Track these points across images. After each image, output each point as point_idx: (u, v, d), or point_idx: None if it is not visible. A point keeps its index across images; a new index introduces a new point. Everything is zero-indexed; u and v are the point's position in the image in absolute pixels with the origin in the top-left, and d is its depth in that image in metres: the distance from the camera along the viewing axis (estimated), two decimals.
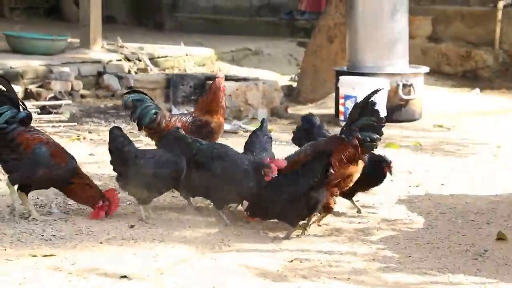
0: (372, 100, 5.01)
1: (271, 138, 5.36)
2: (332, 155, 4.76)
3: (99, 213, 5.11)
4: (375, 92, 5.09)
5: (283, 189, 4.77)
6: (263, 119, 5.51)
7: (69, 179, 5.07)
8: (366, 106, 4.99)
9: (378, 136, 4.95)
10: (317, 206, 4.80)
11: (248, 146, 5.26)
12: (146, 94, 5.75)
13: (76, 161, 5.15)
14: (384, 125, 5.02)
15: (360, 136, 4.92)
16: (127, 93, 5.84)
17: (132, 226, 4.96)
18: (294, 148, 5.41)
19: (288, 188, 4.76)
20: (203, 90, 9.23)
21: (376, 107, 5.02)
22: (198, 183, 5.01)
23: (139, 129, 5.74)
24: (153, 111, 5.63)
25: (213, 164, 4.95)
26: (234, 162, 4.93)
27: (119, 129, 5.18)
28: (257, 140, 5.23)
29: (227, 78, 9.69)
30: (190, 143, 5.03)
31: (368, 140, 4.93)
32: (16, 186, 5.07)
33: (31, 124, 5.15)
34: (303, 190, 4.72)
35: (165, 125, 5.63)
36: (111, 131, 5.15)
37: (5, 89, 5.07)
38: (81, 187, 5.09)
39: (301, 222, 4.90)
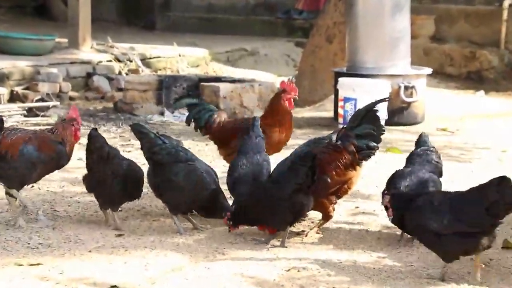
0: (375, 108, 5.06)
1: (263, 138, 5.35)
2: (316, 158, 4.76)
3: (77, 135, 5.17)
4: (381, 101, 5.18)
5: (267, 193, 4.78)
6: (254, 117, 5.49)
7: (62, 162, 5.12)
8: (368, 114, 5.03)
9: (375, 144, 5.02)
10: (303, 211, 4.80)
11: (240, 148, 5.25)
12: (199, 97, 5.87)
13: (62, 143, 5.12)
14: (383, 133, 5.08)
15: (356, 143, 4.96)
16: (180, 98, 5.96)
17: (119, 235, 4.95)
18: (290, 152, 5.41)
19: (272, 192, 4.77)
20: (196, 92, 9.25)
21: (378, 115, 5.06)
22: (154, 183, 5.02)
23: (195, 129, 5.87)
24: (209, 113, 5.77)
25: (173, 166, 4.95)
26: (193, 168, 4.95)
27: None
28: (250, 142, 5.22)
29: (222, 80, 9.74)
30: (152, 140, 5.01)
31: (365, 148, 4.99)
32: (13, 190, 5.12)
33: (6, 126, 5.16)
34: (286, 194, 4.72)
35: (219, 126, 5.71)
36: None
37: None
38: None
39: (297, 229, 4.90)
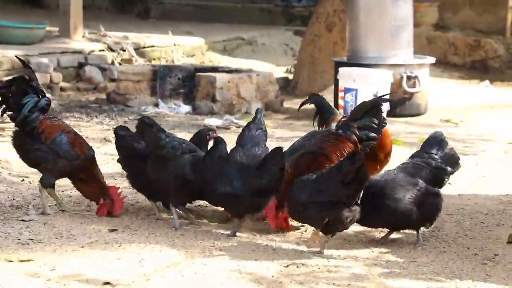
0: (381, 104, 5.12)
1: (265, 130, 5.35)
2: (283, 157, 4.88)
3: (102, 211, 5.25)
4: (386, 99, 5.25)
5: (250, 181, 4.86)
6: (258, 109, 5.48)
7: (84, 170, 5.22)
8: (373, 108, 5.09)
9: (375, 135, 5.08)
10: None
11: (238, 140, 5.25)
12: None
13: (93, 151, 5.32)
14: (385, 125, 5.13)
15: (357, 133, 5.00)
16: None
17: (113, 230, 4.96)
18: (289, 145, 5.41)
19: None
20: (192, 82, 9.25)
21: (381, 110, 5.12)
22: (158, 176, 5.03)
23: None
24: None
25: (179, 158, 4.97)
26: (198, 158, 5.01)
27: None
28: (249, 134, 5.22)
29: (218, 70, 9.73)
30: (158, 133, 5.02)
31: (365, 138, 5.05)
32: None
33: None
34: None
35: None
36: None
37: (28, 78, 5.22)
38: (91, 180, 5.24)
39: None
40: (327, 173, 4.67)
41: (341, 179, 4.55)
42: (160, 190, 5.09)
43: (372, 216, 4.76)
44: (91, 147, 5.35)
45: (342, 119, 5.19)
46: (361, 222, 4.81)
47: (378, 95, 5.35)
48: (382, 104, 5.14)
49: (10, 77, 5.30)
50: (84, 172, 5.25)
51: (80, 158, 5.21)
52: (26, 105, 5.15)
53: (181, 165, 4.98)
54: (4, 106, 5.23)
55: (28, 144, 5.20)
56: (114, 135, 5.35)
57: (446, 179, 4.97)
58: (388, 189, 4.81)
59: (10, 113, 5.21)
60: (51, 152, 5.16)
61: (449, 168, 4.96)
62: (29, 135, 5.18)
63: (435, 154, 4.96)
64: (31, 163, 5.29)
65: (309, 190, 4.63)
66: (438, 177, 4.92)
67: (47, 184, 5.23)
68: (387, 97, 5.78)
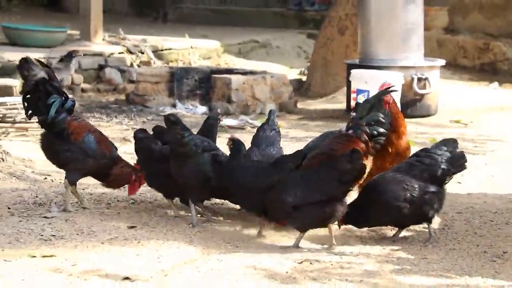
0: (381, 98, 5.10)
1: (279, 131, 5.35)
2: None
3: (135, 188, 5.31)
4: (387, 91, 5.20)
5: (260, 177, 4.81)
6: (271, 110, 5.48)
7: (110, 168, 5.25)
8: (376, 103, 5.07)
9: (384, 130, 5.06)
10: None
11: (253, 141, 5.25)
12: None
13: (117, 149, 5.37)
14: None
15: (367, 131, 4.99)
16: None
17: (132, 227, 4.97)
18: (304, 145, 5.41)
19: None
20: (208, 84, 9.26)
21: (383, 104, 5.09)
22: (179, 173, 5.03)
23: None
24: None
25: (199, 156, 4.97)
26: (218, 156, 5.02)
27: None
28: (263, 135, 5.22)
29: (233, 72, 9.73)
30: (181, 131, 5.01)
31: (376, 134, 5.04)
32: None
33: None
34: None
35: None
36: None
37: (48, 78, 5.22)
38: (118, 173, 5.28)
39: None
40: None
41: (338, 177, 4.56)
42: (181, 186, 5.09)
43: (360, 215, 4.76)
44: (115, 145, 5.39)
45: (351, 120, 5.17)
46: (351, 221, 4.81)
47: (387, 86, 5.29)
48: (383, 99, 5.11)
49: (33, 82, 5.24)
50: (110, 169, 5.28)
51: (106, 157, 5.24)
52: (52, 106, 5.15)
53: (202, 163, 4.99)
54: (30, 111, 5.21)
55: (57, 145, 5.20)
56: (133, 138, 5.36)
57: (448, 178, 4.89)
58: (375, 186, 4.80)
59: (40, 117, 5.18)
60: (81, 152, 5.18)
61: (443, 165, 4.86)
62: (58, 136, 5.18)
63: (433, 153, 4.91)
64: (59, 164, 5.29)
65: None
66: (433, 175, 4.85)
67: (73, 181, 5.24)
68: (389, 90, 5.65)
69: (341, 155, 4.72)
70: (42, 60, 9.84)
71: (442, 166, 4.85)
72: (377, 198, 4.78)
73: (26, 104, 5.22)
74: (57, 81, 5.28)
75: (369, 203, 4.79)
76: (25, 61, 5.26)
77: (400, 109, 5.21)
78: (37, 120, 5.28)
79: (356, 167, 4.58)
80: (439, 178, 4.85)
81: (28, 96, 5.21)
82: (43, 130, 5.27)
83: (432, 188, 4.81)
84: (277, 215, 4.78)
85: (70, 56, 8.41)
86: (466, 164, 4.97)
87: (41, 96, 5.16)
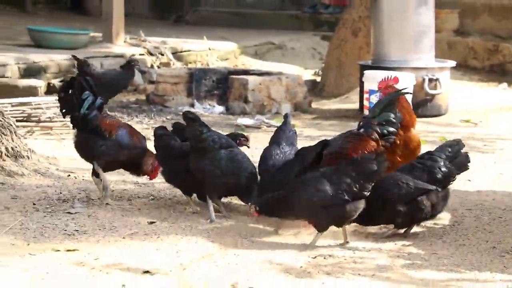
0: (394, 100, 5.12)
1: (295, 132, 5.40)
2: (327, 145, 4.85)
3: (156, 172, 5.42)
4: (402, 93, 5.24)
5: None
6: (286, 114, 5.52)
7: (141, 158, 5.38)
8: (389, 104, 5.08)
9: (394, 130, 5.07)
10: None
11: (274, 139, 5.27)
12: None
13: (145, 139, 5.47)
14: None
15: (378, 130, 4.99)
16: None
17: (152, 222, 4.99)
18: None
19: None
20: (226, 84, 9.27)
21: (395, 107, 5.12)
22: (198, 168, 5.04)
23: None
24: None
25: (216, 152, 4.98)
26: (235, 153, 5.05)
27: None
28: (284, 135, 5.27)
29: (250, 73, 9.74)
30: (200, 127, 5.02)
31: (386, 133, 5.04)
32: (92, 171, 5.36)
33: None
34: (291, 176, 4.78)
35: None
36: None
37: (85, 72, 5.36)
38: (147, 160, 5.40)
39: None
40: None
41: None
42: (199, 183, 5.10)
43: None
44: (144, 136, 5.49)
45: (363, 119, 5.18)
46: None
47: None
48: (396, 100, 5.13)
49: (67, 80, 5.39)
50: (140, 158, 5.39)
51: (138, 147, 5.36)
52: (85, 102, 5.23)
53: (219, 159, 5.00)
54: (64, 109, 5.29)
55: (91, 141, 5.27)
56: (153, 135, 5.38)
57: (452, 179, 4.86)
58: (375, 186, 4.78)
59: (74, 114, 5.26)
60: (115, 146, 5.27)
61: (443, 167, 4.83)
62: (92, 132, 5.25)
63: (435, 155, 4.89)
64: (93, 159, 5.33)
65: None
66: (434, 175, 4.82)
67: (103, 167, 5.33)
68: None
69: (366, 156, 4.70)
70: (66, 61, 9.84)
71: (443, 169, 4.83)
72: (374, 197, 4.73)
73: (60, 101, 5.31)
74: (91, 79, 5.35)
75: (370, 202, 4.75)
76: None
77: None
78: (70, 120, 5.33)
79: (382, 169, 4.59)
80: (440, 179, 4.82)
81: (63, 93, 5.28)
82: (75, 131, 5.35)
83: (432, 188, 4.80)
84: (300, 214, 4.70)
85: (129, 66, 8.38)
86: (469, 165, 4.96)
87: (78, 91, 5.23)
